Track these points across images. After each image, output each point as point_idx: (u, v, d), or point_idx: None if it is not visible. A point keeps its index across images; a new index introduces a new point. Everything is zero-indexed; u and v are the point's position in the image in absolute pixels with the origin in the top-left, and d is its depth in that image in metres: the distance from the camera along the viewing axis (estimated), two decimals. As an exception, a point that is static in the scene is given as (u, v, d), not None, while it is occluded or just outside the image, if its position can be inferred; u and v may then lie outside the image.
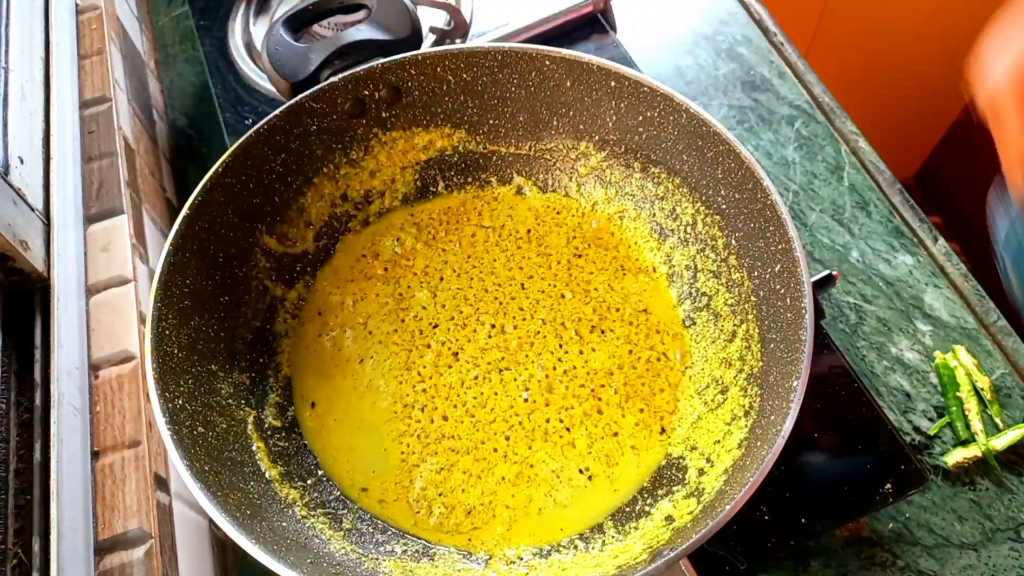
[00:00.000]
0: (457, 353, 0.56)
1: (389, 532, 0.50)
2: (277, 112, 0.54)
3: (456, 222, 0.63)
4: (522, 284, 0.59)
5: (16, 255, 0.49)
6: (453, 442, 0.53)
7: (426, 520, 0.50)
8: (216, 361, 0.51)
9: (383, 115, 0.59)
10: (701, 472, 0.47)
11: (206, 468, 0.44)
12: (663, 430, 0.52)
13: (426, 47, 0.63)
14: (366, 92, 0.57)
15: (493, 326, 0.57)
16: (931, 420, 0.58)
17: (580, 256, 0.60)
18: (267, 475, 0.49)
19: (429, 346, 0.57)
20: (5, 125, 0.54)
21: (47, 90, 0.61)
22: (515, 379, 0.55)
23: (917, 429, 0.58)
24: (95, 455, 0.48)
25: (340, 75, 0.55)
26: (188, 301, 0.50)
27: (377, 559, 0.47)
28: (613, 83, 0.54)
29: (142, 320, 0.55)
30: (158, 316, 0.46)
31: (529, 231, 0.62)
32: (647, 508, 0.49)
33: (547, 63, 0.55)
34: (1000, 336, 0.61)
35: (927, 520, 0.54)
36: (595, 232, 0.61)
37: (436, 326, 0.58)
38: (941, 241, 0.66)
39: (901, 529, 0.54)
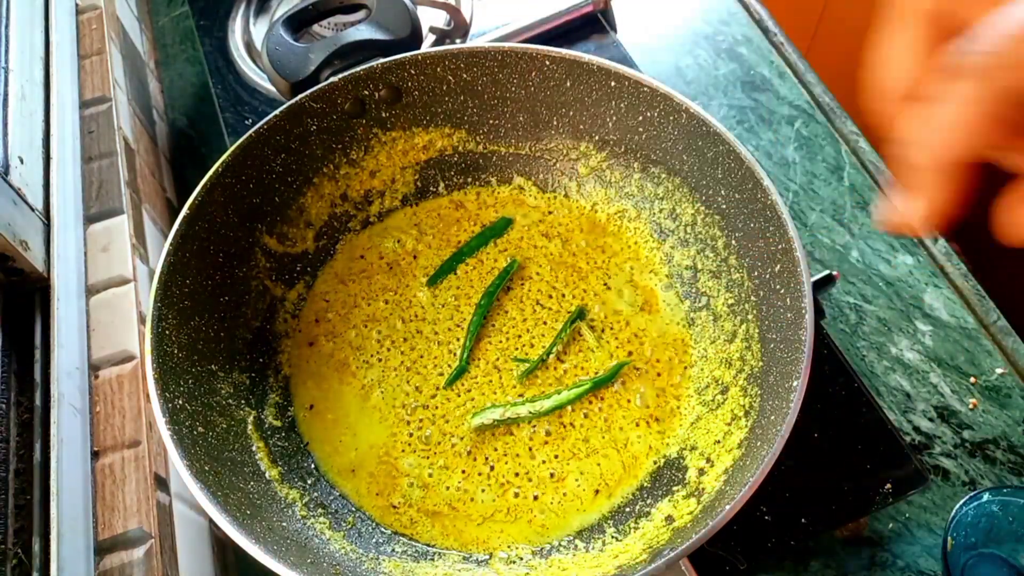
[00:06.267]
0: (456, 353, 0.56)
1: (388, 532, 0.50)
2: (277, 112, 0.54)
3: (456, 222, 0.63)
4: (522, 284, 0.59)
5: (16, 255, 0.49)
6: (453, 441, 0.53)
7: (426, 519, 0.50)
8: (216, 361, 0.51)
9: (383, 115, 0.59)
10: (701, 472, 0.47)
11: (206, 468, 0.43)
12: (663, 430, 0.52)
13: (426, 47, 0.63)
14: (366, 92, 0.57)
15: (493, 326, 0.57)
16: (931, 420, 0.58)
17: (579, 256, 0.60)
18: (267, 475, 0.49)
19: (429, 346, 0.57)
20: (5, 125, 0.54)
21: (47, 90, 0.61)
22: (514, 379, 0.55)
23: (917, 429, 0.58)
24: (95, 455, 0.48)
25: (340, 75, 0.55)
26: (188, 301, 0.50)
27: (377, 559, 0.47)
28: (613, 83, 0.54)
29: (142, 320, 0.55)
30: (158, 316, 0.46)
31: (529, 231, 0.62)
32: (647, 508, 0.48)
33: (547, 63, 0.55)
34: (1000, 336, 0.61)
35: (927, 520, 0.54)
36: (595, 232, 0.61)
37: (436, 326, 0.58)
38: (941, 241, 0.66)
39: (901, 529, 0.54)
